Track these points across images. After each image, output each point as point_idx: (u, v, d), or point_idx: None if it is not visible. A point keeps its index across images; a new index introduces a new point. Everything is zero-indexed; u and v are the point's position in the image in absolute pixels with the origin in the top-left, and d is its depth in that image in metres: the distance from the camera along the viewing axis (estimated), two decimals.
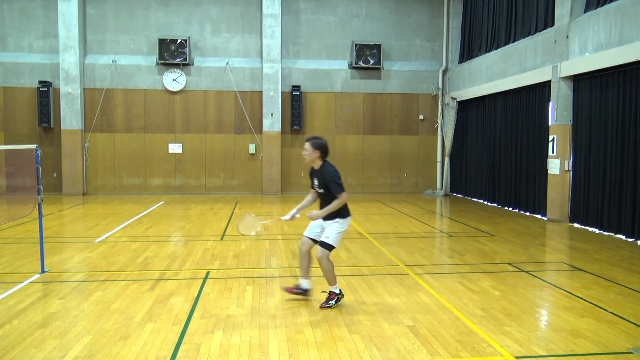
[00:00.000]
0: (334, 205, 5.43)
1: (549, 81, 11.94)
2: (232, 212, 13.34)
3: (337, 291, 5.68)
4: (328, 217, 5.55)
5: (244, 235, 6.11)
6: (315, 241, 5.68)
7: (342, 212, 5.56)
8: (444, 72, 18.28)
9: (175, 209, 14.10)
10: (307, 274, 5.84)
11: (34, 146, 6.87)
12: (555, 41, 11.69)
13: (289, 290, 5.94)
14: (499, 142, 14.87)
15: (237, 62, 17.68)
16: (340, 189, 5.45)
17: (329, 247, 5.51)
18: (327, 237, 5.52)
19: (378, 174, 18.49)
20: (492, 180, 15.34)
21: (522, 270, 7.34)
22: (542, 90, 12.58)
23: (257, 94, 17.69)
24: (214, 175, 17.87)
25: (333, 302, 5.64)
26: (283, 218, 5.71)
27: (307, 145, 5.57)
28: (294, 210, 5.70)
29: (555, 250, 8.95)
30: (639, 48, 9.16)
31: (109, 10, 17.21)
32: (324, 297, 5.74)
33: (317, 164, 5.59)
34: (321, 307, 5.59)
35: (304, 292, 5.89)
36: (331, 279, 5.63)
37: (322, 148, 5.57)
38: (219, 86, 17.61)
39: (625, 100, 9.92)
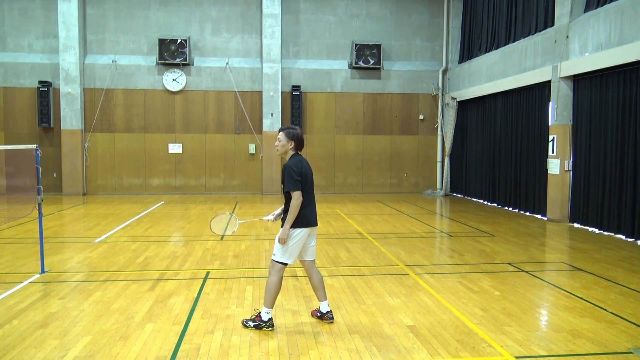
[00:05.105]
0: (290, 212, 4.76)
1: (549, 81, 11.94)
2: (232, 212, 13.33)
3: (266, 319, 4.89)
4: (283, 220, 4.92)
5: (215, 233, 5.65)
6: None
7: (295, 220, 4.81)
8: (444, 72, 18.28)
9: (175, 209, 14.10)
10: (320, 296, 5.15)
11: (34, 146, 6.87)
12: (555, 41, 11.69)
13: (313, 314, 5.33)
14: (499, 142, 14.87)
15: (237, 62, 17.68)
16: (293, 185, 4.73)
17: (277, 262, 4.91)
18: (274, 254, 4.92)
19: (378, 174, 18.49)
20: (492, 180, 15.34)
21: (522, 270, 7.34)
22: (542, 90, 12.57)
23: (257, 94, 17.69)
24: (214, 176, 17.86)
25: (251, 323, 4.93)
26: (265, 218, 5.28)
27: (281, 135, 4.93)
28: (278, 210, 5.17)
29: (555, 250, 8.95)
30: (639, 48, 9.17)
31: (109, 10, 17.21)
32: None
33: (288, 157, 4.98)
34: (242, 322, 5.05)
35: (321, 316, 5.19)
36: (268, 299, 4.88)
37: (297, 139, 4.93)
38: (219, 86, 17.61)
39: (625, 100, 9.92)
